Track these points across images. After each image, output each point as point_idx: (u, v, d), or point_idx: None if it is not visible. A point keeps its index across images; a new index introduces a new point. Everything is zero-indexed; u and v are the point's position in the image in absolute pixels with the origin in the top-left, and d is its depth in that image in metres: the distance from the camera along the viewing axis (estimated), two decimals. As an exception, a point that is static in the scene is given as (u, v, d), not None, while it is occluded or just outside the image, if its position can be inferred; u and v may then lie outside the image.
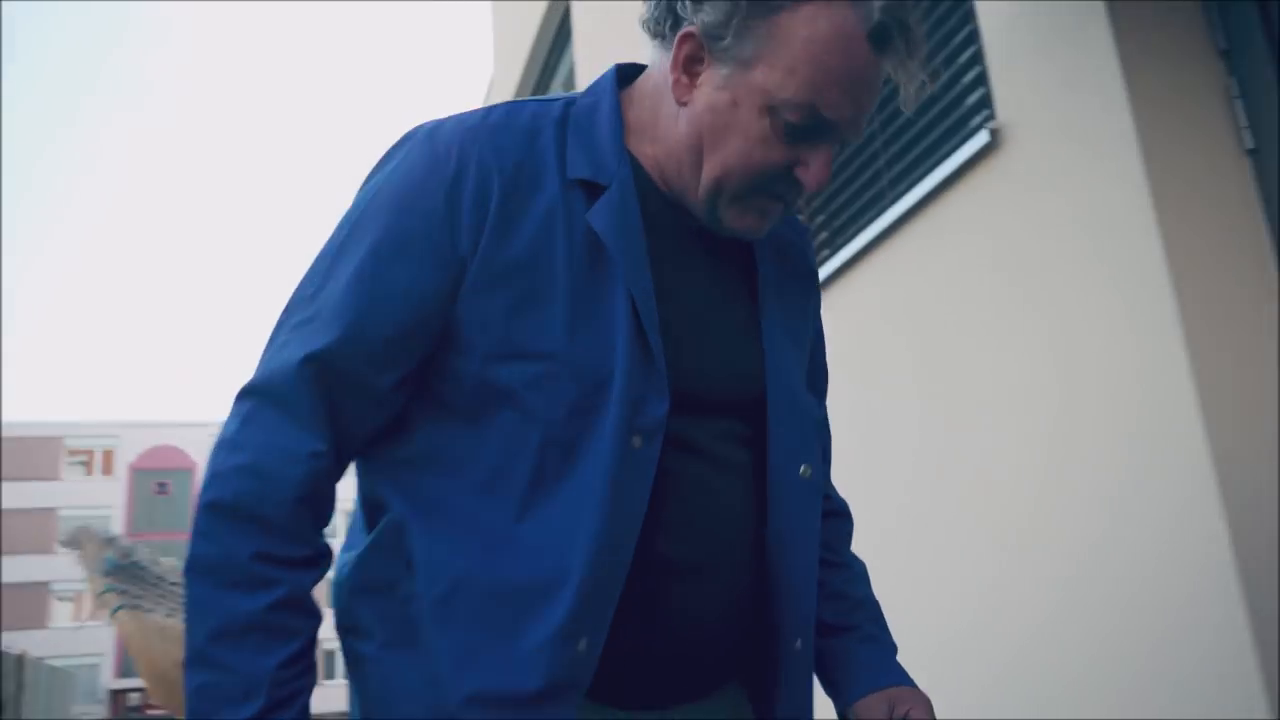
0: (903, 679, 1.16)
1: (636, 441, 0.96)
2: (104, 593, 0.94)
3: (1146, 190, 1.97)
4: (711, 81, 0.98)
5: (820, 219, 3.30)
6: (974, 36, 2.50)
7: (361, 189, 1.04)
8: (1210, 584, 1.81)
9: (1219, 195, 2.01)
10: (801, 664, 1.09)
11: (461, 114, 1.04)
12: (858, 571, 1.24)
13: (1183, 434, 1.88)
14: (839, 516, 1.27)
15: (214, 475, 0.96)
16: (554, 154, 1.01)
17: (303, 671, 0.95)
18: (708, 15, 0.96)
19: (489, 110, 1.04)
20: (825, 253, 3.21)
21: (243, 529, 0.94)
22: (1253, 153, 2.02)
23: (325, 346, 0.96)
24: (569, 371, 0.96)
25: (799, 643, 1.08)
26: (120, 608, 0.95)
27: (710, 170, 1.00)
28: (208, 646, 0.93)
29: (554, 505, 0.96)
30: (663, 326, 1.00)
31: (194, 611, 0.94)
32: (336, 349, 0.96)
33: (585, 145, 1.02)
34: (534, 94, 8.02)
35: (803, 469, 1.09)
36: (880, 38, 0.95)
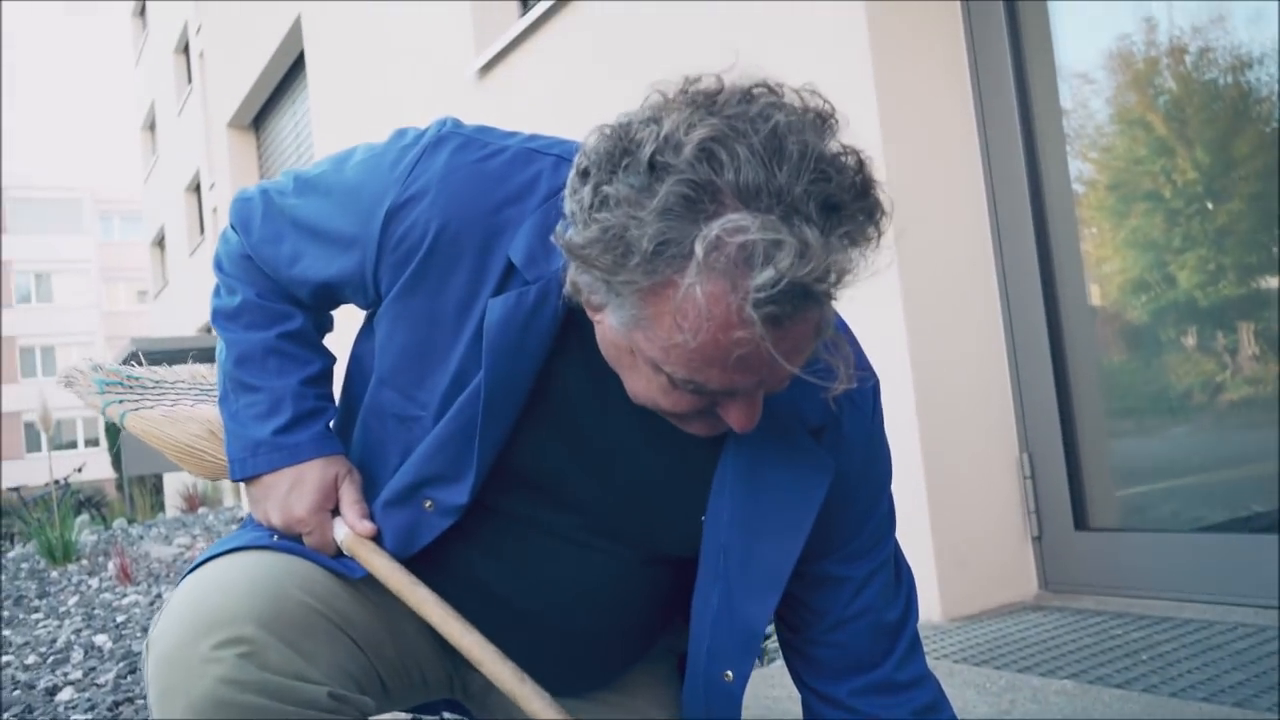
0: None
1: (428, 505, 1.01)
2: (105, 409, 1.19)
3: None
4: (607, 318, 0.85)
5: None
6: None
7: (366, 148, 1.06)
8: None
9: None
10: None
11: (476, 137, 1.00)
12: None
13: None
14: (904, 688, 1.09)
15: (218, 251, 1.12)
16: (515, 227, 0.94)
17: (324, 394, 1.08)
18: (575, 276, 0.83)
19: (498, 151, 0.98)
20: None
21: (249, 274, 1.08)
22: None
23: (266, 255, 1.08)
24: (430, 425, 1.00)
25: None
26: (125, 414, 1.18)
27: (630, 392, 0.90)
28: (235, 372, 1.07)
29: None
30: (566, 456, 1.01)
31: (223, 352, 1.09)
32: (269, 264, 1.08)
33: (540, 232, 0.93)
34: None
35: (726, 674, 1.04)
36: (774, 321, 0.74)
